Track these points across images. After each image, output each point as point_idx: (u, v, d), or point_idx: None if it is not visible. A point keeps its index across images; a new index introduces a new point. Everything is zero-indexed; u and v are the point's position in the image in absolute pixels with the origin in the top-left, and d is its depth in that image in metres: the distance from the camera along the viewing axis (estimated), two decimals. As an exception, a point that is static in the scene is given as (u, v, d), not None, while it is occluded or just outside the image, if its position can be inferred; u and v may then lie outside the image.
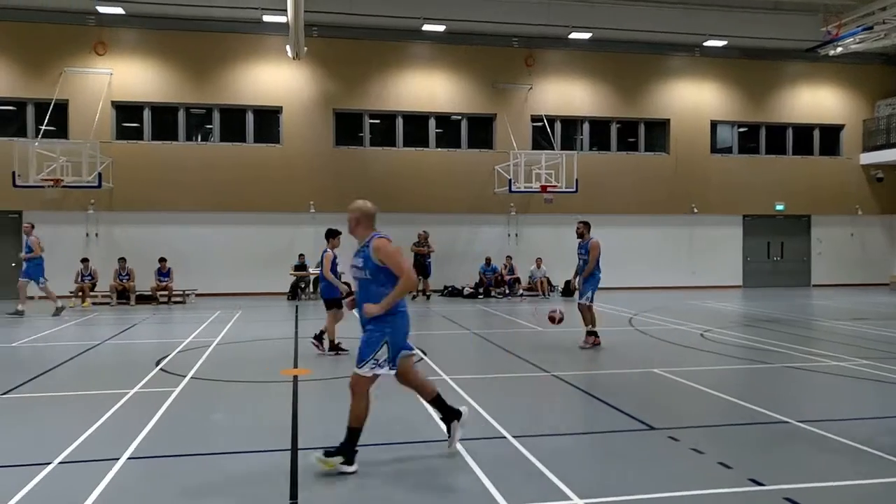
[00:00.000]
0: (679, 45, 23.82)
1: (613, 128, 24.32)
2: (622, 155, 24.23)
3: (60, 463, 5.61)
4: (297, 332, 13.29)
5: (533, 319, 15.66)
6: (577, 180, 21.10)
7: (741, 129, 25.31)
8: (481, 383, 8.81)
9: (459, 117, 23.29)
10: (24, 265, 15.99)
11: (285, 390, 8.34)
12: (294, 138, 21.79)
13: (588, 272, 11.11)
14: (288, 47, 19.11)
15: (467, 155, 23.10)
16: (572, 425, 6.97)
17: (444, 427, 5.90)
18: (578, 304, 11.40)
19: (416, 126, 23.03)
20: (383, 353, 5.37)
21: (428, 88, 22.73)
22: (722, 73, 24.43)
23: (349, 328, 10.04)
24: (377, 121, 23.03)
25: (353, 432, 5.38)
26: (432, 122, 23.09)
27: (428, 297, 20.27)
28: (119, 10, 19.96)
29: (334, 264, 10.59)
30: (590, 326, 11.19)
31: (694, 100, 24.40)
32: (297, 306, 18.34)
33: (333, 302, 10.53)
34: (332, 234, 10.67)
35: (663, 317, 15.70)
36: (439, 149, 23.07)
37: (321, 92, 21.94)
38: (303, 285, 20.45)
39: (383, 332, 5.37)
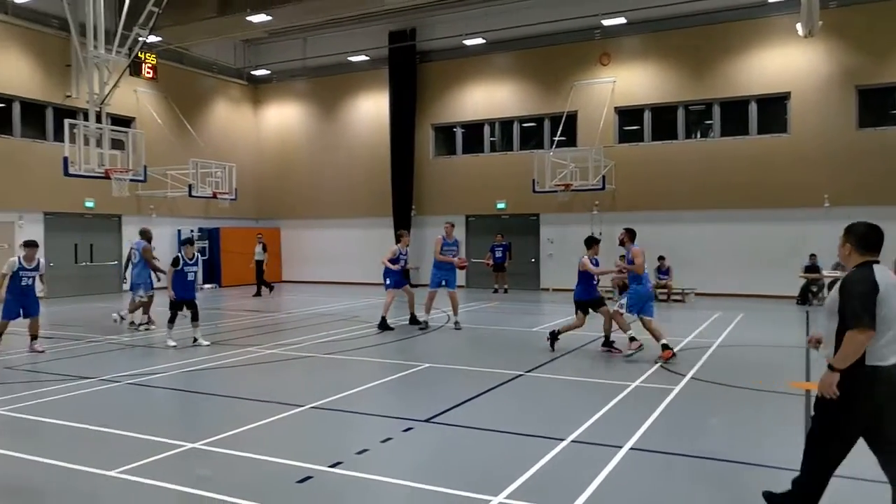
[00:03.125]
0: None
1: None
2: None
3: (572, 441, 5.95)
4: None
5: None
6: None
7: None
8: None
9: None
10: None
11: (793, 404, 7.31)
12: (805, 125, 19.54)
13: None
14: (798, 25, 17.14)
15: None
16: None
17: None
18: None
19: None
20: None
21: None
22: None
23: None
24: (918, 92, 19.01)
25: None
26: None
27: None
28: (621, 21, 20.95)
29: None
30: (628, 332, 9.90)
31: None
32: (807, 312, 16.35)
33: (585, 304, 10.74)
34: (592, 242, 10.86)
35: None
36: None
37: (840, 69, 19.15)
38: (814, 289, 18.14)
39: None
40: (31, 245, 10.42)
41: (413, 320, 13.67)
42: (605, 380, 8.54)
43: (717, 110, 20.94)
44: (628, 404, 7.31)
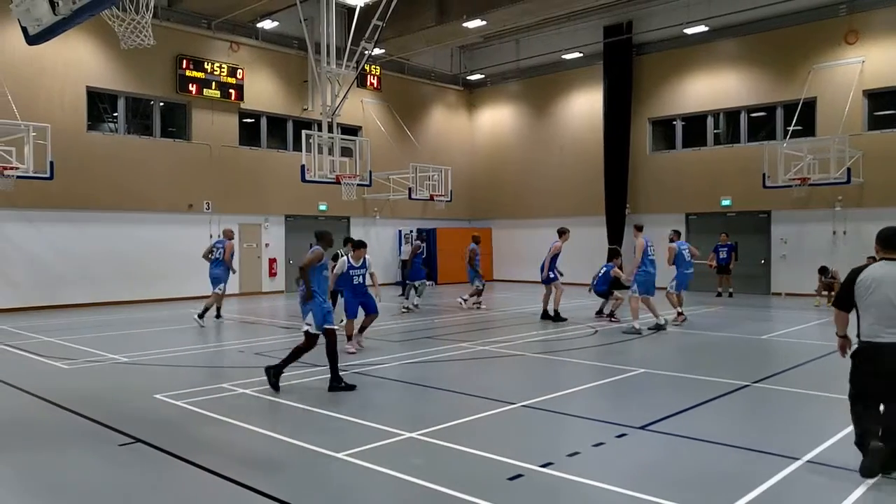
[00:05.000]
0: None
1: None
2: None
3: (808, 461, 5.38)
4: None
5: None
6: None
7: None
8: None
9: None
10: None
11: None
12: None
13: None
14: None
15: None
16: None
17: None
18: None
19: None
20: None
21: None
22: None
23: None
24: None
25: None
26: None
27: None
28: (874, -9, 18.46)
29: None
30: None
31: None
32: None
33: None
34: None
35: None
36: None
37: None
38: None
39: None
40: (358, 246, 10.93)
41: (545, 315, 14.56)
42: (843, 395, 7.52)
43: None
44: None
